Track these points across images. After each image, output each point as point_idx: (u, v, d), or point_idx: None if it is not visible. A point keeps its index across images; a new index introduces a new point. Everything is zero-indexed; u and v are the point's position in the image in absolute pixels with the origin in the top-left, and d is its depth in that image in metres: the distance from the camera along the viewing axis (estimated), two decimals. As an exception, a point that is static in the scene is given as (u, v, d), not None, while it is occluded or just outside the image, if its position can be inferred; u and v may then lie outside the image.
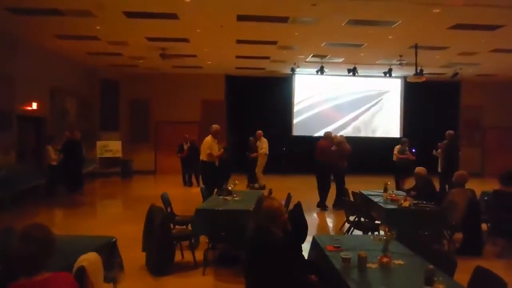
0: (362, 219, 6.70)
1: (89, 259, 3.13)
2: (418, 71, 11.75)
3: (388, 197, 6.79)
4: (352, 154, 9.91)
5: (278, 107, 16.26)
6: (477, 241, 6.08)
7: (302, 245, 4.41)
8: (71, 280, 2.40)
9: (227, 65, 14.45)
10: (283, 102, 16.40)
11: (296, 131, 16.51)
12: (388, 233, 3.62)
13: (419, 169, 7.07)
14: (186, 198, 9.93)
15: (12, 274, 2.22)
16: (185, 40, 10.61)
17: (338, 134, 11.09)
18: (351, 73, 13.62)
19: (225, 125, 15.10)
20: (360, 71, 13.79)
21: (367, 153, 14.71)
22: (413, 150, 12.05)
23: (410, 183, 9.04)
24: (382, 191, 7.19)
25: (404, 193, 7.31)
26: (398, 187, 10.53)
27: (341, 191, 9.05)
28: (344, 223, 7.26)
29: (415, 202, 6.37)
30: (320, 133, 10.50)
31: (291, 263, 3.22)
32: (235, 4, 7.78)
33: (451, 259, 3.53)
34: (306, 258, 4.18)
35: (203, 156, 8.93)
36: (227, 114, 16.11)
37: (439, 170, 10.50)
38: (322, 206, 9.57)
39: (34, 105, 10.74)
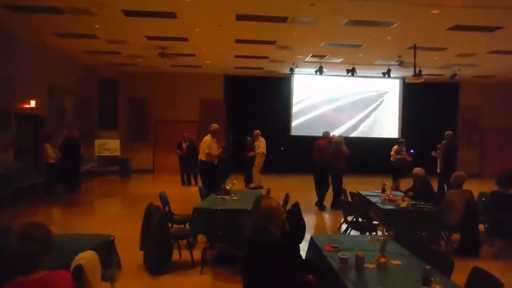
0: (360, 219, 6.71)
1: (87, 258, 3.12)
2: (417, 72, 11.76)
3: (386, 198, 6.80)
4: (351, 155, 9.92)
5: (276, 107, 16.27)
6: (475, 242, 6.10)
7: (300, 245, 4.41)
8: (69, 279, 2.40)
9: (226, 65, 14.44)
10: (282, 102, 16.41)
11: (295, 131, 16.52)
12: (386, 234, 3.62)
13: (417, 170, 7.08)
14: (184, 197, 9.93)
15: (10, 272, 2.22)
16: (184, 39, 10.61)
17: (337, 135, 11.11)
18: (350, 74, 13.63)
19: (224, 124, 15.09)
20: (358, 72, 13.80)
21: (366, 154, 14.71)
22: (411, 151, 12.07)
23: (406, 183, 9.04)
24: (380, 191, 7.21)
25: (402, 194, 7.32)
26: (397, 188, 10.53)
27: (339, 191, 9.07)
28: (342, 223, 7.27)
29: (413, 202, 6.38)
30: (318, 133, 10.49)
31: (289, 263, 3.22)
32: (234, 3, 7.78)
33: (448, 259, 3.54)
34: (304, 258, 4.18)
35: (202, 156, 8.92)
36: (226, 114, 16.11)
37: (438, 170, 10.52)
38: (320, 206, 9.58)
39: (33, 103, 10.72)
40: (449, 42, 10.31)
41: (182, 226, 6.29)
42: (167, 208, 6.42)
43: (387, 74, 13.76)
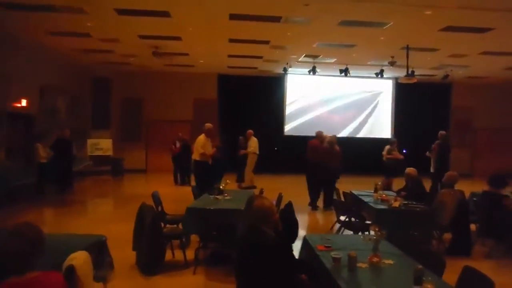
0: (353, 219, 6.73)
1: (79, 258, 3.10)
2: (409, 72, 11.83)
3: (379, 197, 6.84)
4: (344, 155, 9.94)
5: (270, 107, 16.28)
6: (466, 241, 6.15)
7: (293, 244, 4.42)
8: (60, 280, 2.39)
9: (219, 64, 14.43)
10: (275, 102, 16.43)
11: (288, 131, 16.54)
12: (378, 233, 3.64)
13: (410, 170, 7.12)
14: (177, 197, 9.90)
15: (1, 272, 2.20)
16: (177, 38, 10.58)
17: (330, 134, 11.12)
18: (343, 74, 13.67)
19: (217, 124, 15.07)
20: (352, 72, 13.85)
21: (359, 154, 14.78)
22: (404, 151, 12.13)
23: (398, 183, 9.09)
24: (373, 191, 7.24)
25: (394, 194, 7.36)
26: (388, 187, 10.59)
27: (332, 191, 9.10)
28: (335, 223, 7.29)
29: (405, 202, 6.41)
30: (312, 133, 10.51)
31: (282, 262, 3.23)
32: (228, 3, 7.77)
33: (440, 259, 3.57)
34: (296, 257, 4.19)
35: (196, 156, 8.86)
36: (220, 113, 16.09)
37: (432, 170, 10.60)
38: (313, 206, 9.60)
39: (24, 103, 10.63)
40: (442, 43, 10.39)
41: (175, 226, 6.27)
42: (159, 208, 6.39)
43: (380, 74, 13.82)
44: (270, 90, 16.30)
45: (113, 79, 15.73)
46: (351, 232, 6.45)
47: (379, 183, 7.67)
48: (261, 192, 7.07)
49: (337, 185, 9.02)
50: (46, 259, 2.49)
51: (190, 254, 5.45)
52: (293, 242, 4.71)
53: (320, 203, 9.66)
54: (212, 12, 8.35)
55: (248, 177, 12.15)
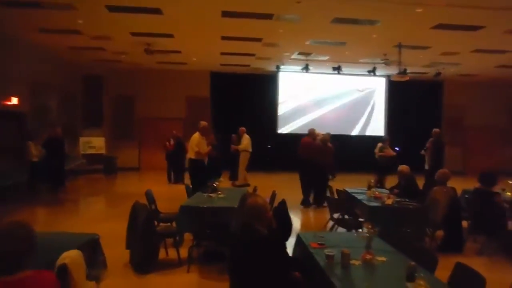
0: (346, 217, 6.76)
1: (71, 257, 3.08)
2: (402, 70, 11.89)
3: (372, 195, 6.87)
4: (338, 152, 9.97)
5: (263, 105, 16.28)
6: (458, 238, 6.19)
7: (287, 242, 4.43)
8: (53, 278, 2.37)
9: (212, 62, 14.39)
10: (269, 99, 16.43)
11: (281, 129, 16.55)
12: (371, 231, 3.66)
13: (402, 167, 7.15)
14: (171, 195, 9.86)
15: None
16: (169, 35, 10.54)
17: (323, 132, 11.15)
18: (335, 71, 13.70)
19: (210, 122, 15.02)
20: (344, 70, 13.89)
21: (352, 152, 14.83)
22: (397, 149, 12.19)
23: (391, 181, 9.14)
24: (366, 188, 7.28)
25: (387, 191, 7.40)
26: (381, 185, 10.65)
27: (324, 189, 9.13)
28: (328, 221, 7.32)
29: (398, 199, 6.44)
30: (304, 131, 10.52)
31: (276, 260, 3.23)
32: (220, 0, 7.75)
33: (432, 256, 3.60)
34: (290, 255, 4.20)
35: (191, 154, 8.78)
36: (212, 111, 16.06)
37: (426, 167, 10.68)
38: (306, 203, 9.61)
39: (15, 100, 10.53)
40: (433, 40, 10.45)
41: (169, 224, 6.26)
42: (153, 207, 6.37)
43: (372, 72, 13.87)
44: (263, 87, 16.30)
45: (105, 77, 15.63)
46: (345, 230, 6.48)
47: (372, 180, 7.71)
48: (255, 190, 7.07)
49: (331, 183, 9.04)
50: (39, 258, 2.48)
51: (183, 252, 5.43)
52: (286, 239, 4.72)
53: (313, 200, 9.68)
54: (204, 9, 8.32)
55: (242, 175, 12.14)
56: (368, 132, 16.74)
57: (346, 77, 16.05)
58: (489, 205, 6.06)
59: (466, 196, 7.42)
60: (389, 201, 6.30)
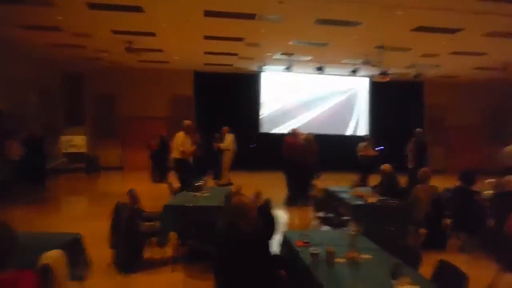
0: (331, 215, 6.80)
1: (53, 257, 3.03)
2: (383, 71, 12.03)
3: (355, 194, 6.93)
4: (321, 152, 10.03)
5: (246, 104, 16.27)
6: (441, 235, 6.30)
7: (272, 241, 4.43)
8: (33, 278, 2.33)
9: (195, 61, 14.31)
10: (252, 99, 16.43)
11: (264, 128, 16.56)
12: (355, 229, 3.70)
13: (385, 166, 7.23)
14: (155, 194, 9.75)
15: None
16: (151, 34, 10.43)
17: (305, 132, 11.20)
18: (318, 72, 13.77)
19: (194, 121, 14.95)
20: (327, 70, 13.98)
21: (336, 151, 14.91)
22: (380, 148, 12.32)
23: (374, 179, 9.22)
24: (349, 187, 7.34)
25: (370, 189, 7.47)
26: (365, 184, 10.75)
27: (308, 188, 9.16)
28: (313, 219, 7.35)
29: (381, 198, 6.51)
30: (287, 130, 10.55)
31: (260, 258, 3.24)
32: (203, -1, 7.73)
33: (416, 253, 3.65)
34: (276, 253, 4.21)
35: (176, 154, 8.69)
36: (196, 110, 15.98)
37: (410, 166, 10.81)
38: (291, 202, 9.63)
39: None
40: (413, 42, 10.60)
41: (153, 223, 6.19)
42: (136, 206, 6.29)
43: (354, 72, 13.99)
44: (246, 87, 16.29)
45: (86, 75, 15.39)
46: (330, 228, 6.52)
47: (356, 179, 7.78)
48: (239, 189, 7.05)
49: (315, 182, 9.08)
50: (20, 258, 2.42)
51: (168, 251, 5.39)
52: (271, 238, 4.73)
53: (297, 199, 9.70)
54: (187, 8, 8.27)
55: (225, 174, 12.11)
56: (351, 132, 16.88)
57: (329, 78, 16.16)
58: (470, 203, 6.18)
59: (448, 194, 7.53)
60: (372, 200, 6.37)
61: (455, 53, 11.59)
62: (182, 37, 10.69)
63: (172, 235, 5.85)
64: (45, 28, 10.04)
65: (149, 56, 13.24)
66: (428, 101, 17.40)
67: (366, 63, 12.83)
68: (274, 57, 13.16)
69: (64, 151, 14.40)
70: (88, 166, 14.66)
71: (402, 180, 8.22)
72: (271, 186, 10.40)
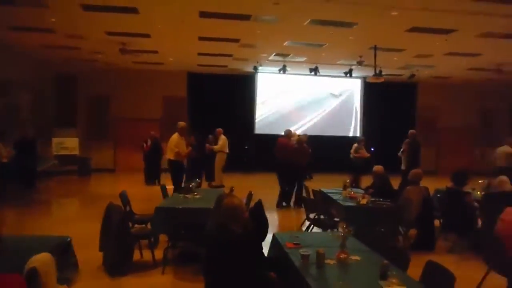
0: (322, 217, 6.82)
1: (41, 260, 3.01)
2: (377, 71, 12.07)
3: (347, 195, 6.95)
4: (314, 153, 10.04)
5: (241, 105, 16.26)
6: (430, 236, 6.33)
7: (263, 242, 4.44)
8: (20, 282, 2.31)
9: (189, 62, 14.28)
10: (246, 100, 16.42)
11: (258, 130, 16.57)
12: (346, 230, 3.71)
13: (377, 168, 7.26)
14: (148, 196, 9.74)
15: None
16: (146, 35, 10.40)
17: (299, 133, 11.23)
18: (313, 73, 13.80)
19: (188, 122, 14.90)
20: (321, 71, 13.99)
21: (328, 152, 14.96)
22: (372, 149, 12.37)
23: (366, 181, 9.26)
24: (342, 189, 7.36)
25: (362, 191, 7.50)
26: (357, 185, 10.79)
27: (301, 189, 9.18)
28: (304, 221, 7.37)
29: (373, 199, 6.53)
30: (282, 132, 10.56)
31: (251, 260, 3.23)
32: (197, 0, 7.71)
33: (405, 254, 3.67)
34: (266, 255, 4.21)
35: (170, 155, 8.66)
36: (189, 112, 15.94)
37: (403, 167, 10.86)
38: (282, 204, 9.63)
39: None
40: (407, 43, 10.64)
41: (144, 225, 6.18)
42: (128, 208, 6.28)
43: (349, 73, 14.02)
44: (241, 88, 16.28)
45: (79, 76, 15.32)
46: (321, 230, 6.53)
47: (348, 180, 7.81)
48: (231, 190, 7.05)
49: (307, 183, 9.10)
50: (8, 261, 2.41)
51: (158, 254, 5.38)
52: (263, 240, 4.73)
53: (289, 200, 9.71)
54: (182, 10, 8.25)
55: (218, 176, 12.09)
56: (344, 133, 16.91)
57: (323, 79, 16.18)
58: (460, 205, 6.20)
59: (438, 195, 7.58)
60: (364, 201, 6.39)
61: (449, 53, 11.64)
62: (177, 38, 10.66)
63: (163, 238, 5.84)
64: (39, 30, 9.98)
65: (143, 58, 13.20)
66: (421, 102, 17.48)
67: (361, 64, 12.86)
68: (269, 58, 13.16)
69: (56, 153, 14.29)
70: (80, 168, 14.57)
71: (395, 182, 8.25)
72: (263, 188, 10.42)
